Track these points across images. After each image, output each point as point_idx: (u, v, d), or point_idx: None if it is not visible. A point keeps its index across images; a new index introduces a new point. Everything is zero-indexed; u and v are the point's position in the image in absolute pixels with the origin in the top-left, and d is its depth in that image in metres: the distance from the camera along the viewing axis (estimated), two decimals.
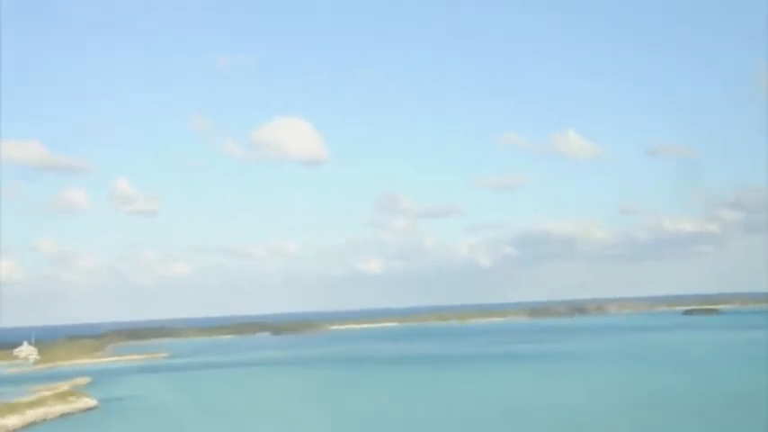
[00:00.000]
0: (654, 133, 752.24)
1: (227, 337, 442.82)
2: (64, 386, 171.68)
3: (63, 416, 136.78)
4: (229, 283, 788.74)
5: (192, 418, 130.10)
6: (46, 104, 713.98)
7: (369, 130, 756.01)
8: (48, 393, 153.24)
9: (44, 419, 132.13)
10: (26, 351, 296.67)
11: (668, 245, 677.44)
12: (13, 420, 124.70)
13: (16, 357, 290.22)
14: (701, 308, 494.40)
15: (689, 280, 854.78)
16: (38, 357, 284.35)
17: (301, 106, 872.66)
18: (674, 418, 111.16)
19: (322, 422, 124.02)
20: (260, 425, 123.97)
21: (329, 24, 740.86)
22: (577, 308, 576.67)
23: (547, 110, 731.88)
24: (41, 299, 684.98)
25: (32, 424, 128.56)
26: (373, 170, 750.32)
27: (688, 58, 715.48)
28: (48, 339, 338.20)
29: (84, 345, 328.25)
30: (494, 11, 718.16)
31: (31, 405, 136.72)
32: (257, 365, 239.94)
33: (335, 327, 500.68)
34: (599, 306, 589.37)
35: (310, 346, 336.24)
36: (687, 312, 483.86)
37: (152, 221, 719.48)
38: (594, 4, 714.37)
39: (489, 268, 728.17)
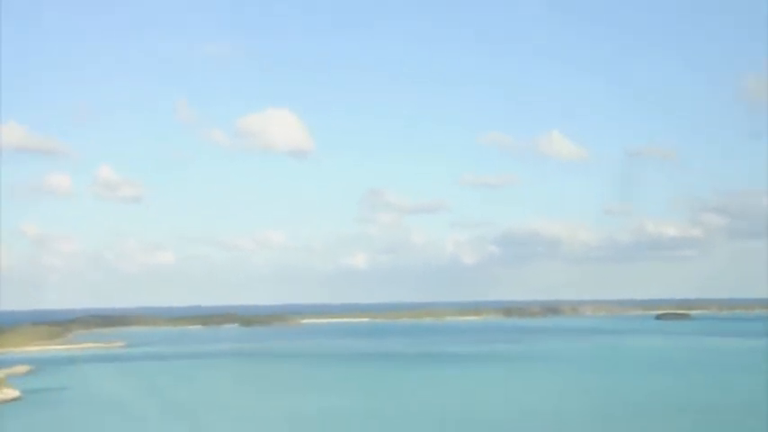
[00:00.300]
0: (639, 136, 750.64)
1: (195, 327, 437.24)
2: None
3: None
4: (212, 274, 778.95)
5: (116, 412, 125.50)
6: (29, 88, 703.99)
7: (355, 125, 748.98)
8: None
9: None
10: None
11: (651, 248, 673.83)
12: None
13: None
14: (673, 312, 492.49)
15: (670, 284, 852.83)
16: None
17: (288, 97, 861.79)
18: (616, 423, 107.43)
19: (251, 418, 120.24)
20: (186, 419, 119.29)
21: (316, 17, 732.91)
22: (552, 308, 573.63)
23: (532, 111, 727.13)
24: (22, 283, 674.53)
25: None
26: (359, 164, 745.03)
27: (673, 61, 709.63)
28: (12, 324, 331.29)
29: (45, 331, 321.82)
30: (481, 10, 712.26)
31: None
32: (210, 358, 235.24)
33: (307, 320, 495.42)
34: (574, 308, 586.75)
35: (272, 339, 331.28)
36: (659, 317, 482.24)
37: (135, 209, 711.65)
38: (582, 5, 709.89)
39: (473, 266, 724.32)
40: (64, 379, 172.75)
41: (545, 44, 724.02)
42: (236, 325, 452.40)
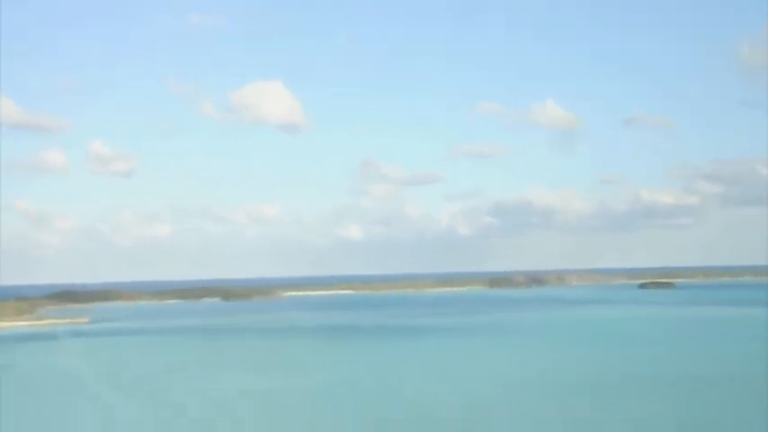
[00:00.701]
0: (632, 105, 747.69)
1: (174, 302, 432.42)
2: None
3: None
4: (206, 247, 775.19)
5: (56, 389, 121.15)
6: (20, 65, 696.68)
7: (346, 98, 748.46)
8: None
9: None
10: None
11: (646, 216, 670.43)
12: None
13: None
14: (656, 281, 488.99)
15: (664, 252, 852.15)
16: None
17: (280, 70, 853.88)
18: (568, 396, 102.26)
19: (188, 395, 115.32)
20: (127, 396, 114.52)
21: None
22: (536, 279, 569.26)
23: (525, 80, 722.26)
24: (18, 257, 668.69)
25: None
26: (351, 137, 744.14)
27: (668, 30, 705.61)
28: None
29: (12, 307, 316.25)
30: None
31: None
32: (173, 333, 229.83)
33: (289, 293, 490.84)
34: (559, 277, 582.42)
35: (247, 313, 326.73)
36: (642, 286, 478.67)
37: (128, 183, 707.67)
38: None
39: (467, 237, 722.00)
40: (11, 357, 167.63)
41: (539, 14, 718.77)
42: (217, 299, 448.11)
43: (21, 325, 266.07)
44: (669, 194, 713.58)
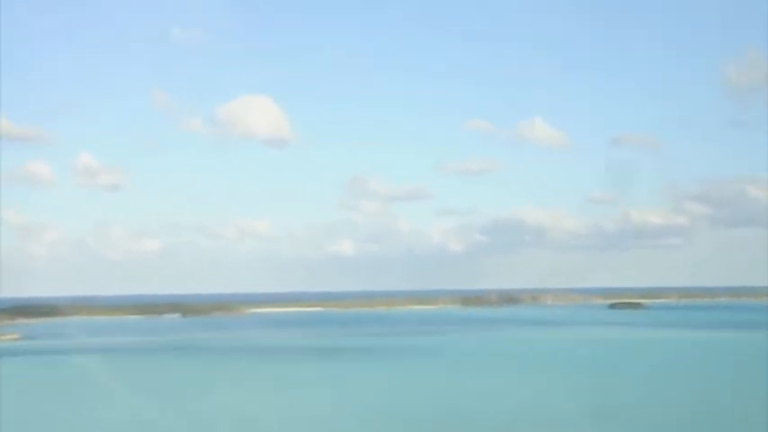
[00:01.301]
0: (620, 124, 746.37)
1: (133, 317, 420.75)
2: None
3: None
4: (197, 263, 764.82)
5: None
6: (5, 78, 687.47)
7: (335, 113, 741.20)
8: None
9: None
10: None
11: (634, 237, 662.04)
12: None
13: None
14: (625, 302, 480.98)
15: (649, 272, 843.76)
16: None
17: (267, 85, 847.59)
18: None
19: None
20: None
21: (296, 2, 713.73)
22: (510, 298, 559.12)
23: (512, 97, 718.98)
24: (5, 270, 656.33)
25: None
26: (340, 152, 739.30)
27: (655, 48, 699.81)
28: None
29: None
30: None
31: None
32: (103, 352, 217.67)
33: (253, 310, 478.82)
34: (534, 296, 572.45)
35: (197, 330, 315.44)
36: (611, 306, 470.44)
37: (116, 196, 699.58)
38: None
39: (459, 254, 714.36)
40: None
41: (527, 32, 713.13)
42: (177, 315, 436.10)
43: None
44: (658, 215, 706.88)
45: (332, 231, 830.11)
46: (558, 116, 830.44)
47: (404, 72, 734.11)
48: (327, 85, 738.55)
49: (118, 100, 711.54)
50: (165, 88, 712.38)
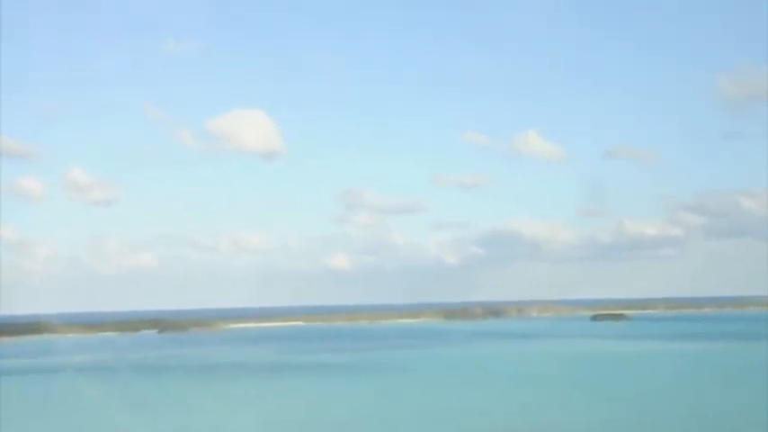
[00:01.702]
0: (614, 136, 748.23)
1: (108, 334, 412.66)
2: None
3: None
4: (190, 276, 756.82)
5: None
6: None
7: (328, 126, 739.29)
8: None
9: None
10: None
11: (630, 248, 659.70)
12: None
13: None
14: (608, 313, 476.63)
15: (644, 284, 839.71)
16: None
17: (258, 98, 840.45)
18: None
19: None
20: None
21: (287, 14, 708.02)
22: (494, 311, 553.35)
23: (509, 111, 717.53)
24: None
25: None
26: (334, 165, 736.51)
27: (652, 61, 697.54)
28: None
29: None
30: (459, 9, 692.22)
31: None
32: (63, 372, 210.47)
33: (233, 326, 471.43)
34: (519, 309, 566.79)
35: (169, 347, 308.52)
36: (594, 318, 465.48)
37: (109, 211, 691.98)
38: (557, 5, 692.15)
39: (456, 267, 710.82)
40: None
41: (523, 45, 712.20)
42: (154, 331, 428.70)
43: None
44: (653, 226, 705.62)
45: (326, 244, 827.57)
46: (553, 129, 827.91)
47: (399, 85, 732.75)
48: (321, 97, 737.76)
49: (110, 114, 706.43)
50: (157, 102, 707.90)
